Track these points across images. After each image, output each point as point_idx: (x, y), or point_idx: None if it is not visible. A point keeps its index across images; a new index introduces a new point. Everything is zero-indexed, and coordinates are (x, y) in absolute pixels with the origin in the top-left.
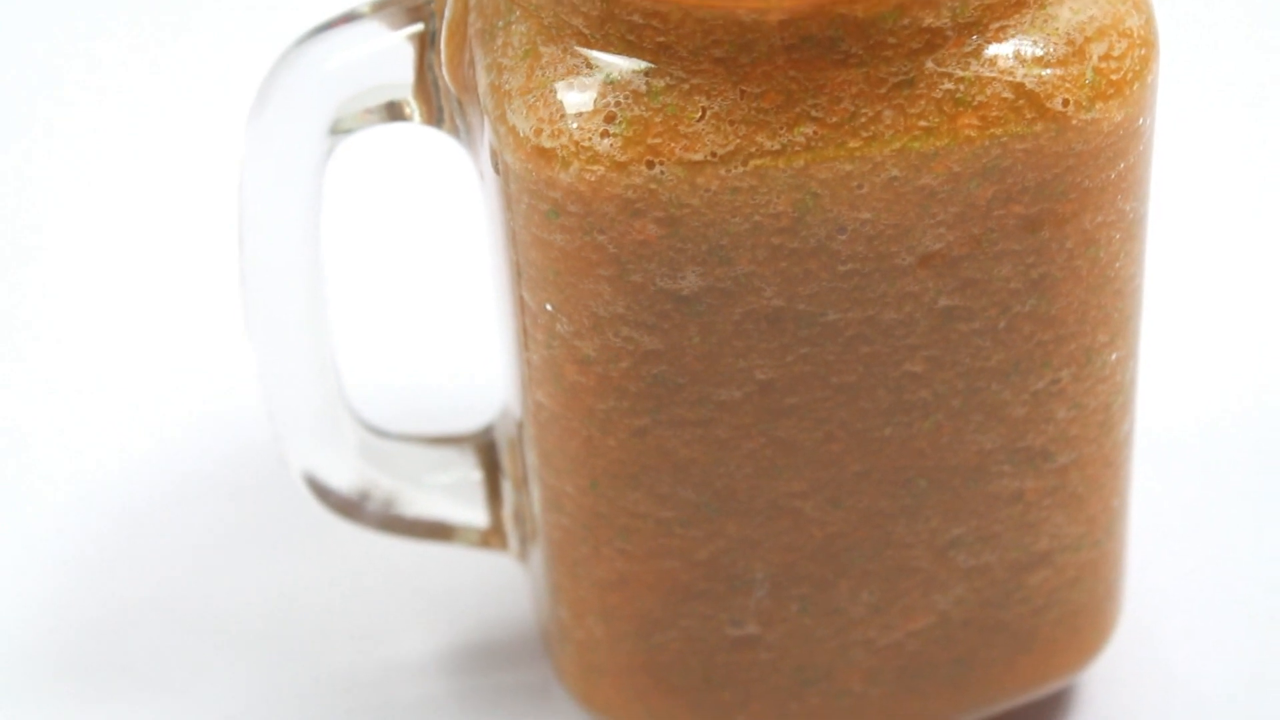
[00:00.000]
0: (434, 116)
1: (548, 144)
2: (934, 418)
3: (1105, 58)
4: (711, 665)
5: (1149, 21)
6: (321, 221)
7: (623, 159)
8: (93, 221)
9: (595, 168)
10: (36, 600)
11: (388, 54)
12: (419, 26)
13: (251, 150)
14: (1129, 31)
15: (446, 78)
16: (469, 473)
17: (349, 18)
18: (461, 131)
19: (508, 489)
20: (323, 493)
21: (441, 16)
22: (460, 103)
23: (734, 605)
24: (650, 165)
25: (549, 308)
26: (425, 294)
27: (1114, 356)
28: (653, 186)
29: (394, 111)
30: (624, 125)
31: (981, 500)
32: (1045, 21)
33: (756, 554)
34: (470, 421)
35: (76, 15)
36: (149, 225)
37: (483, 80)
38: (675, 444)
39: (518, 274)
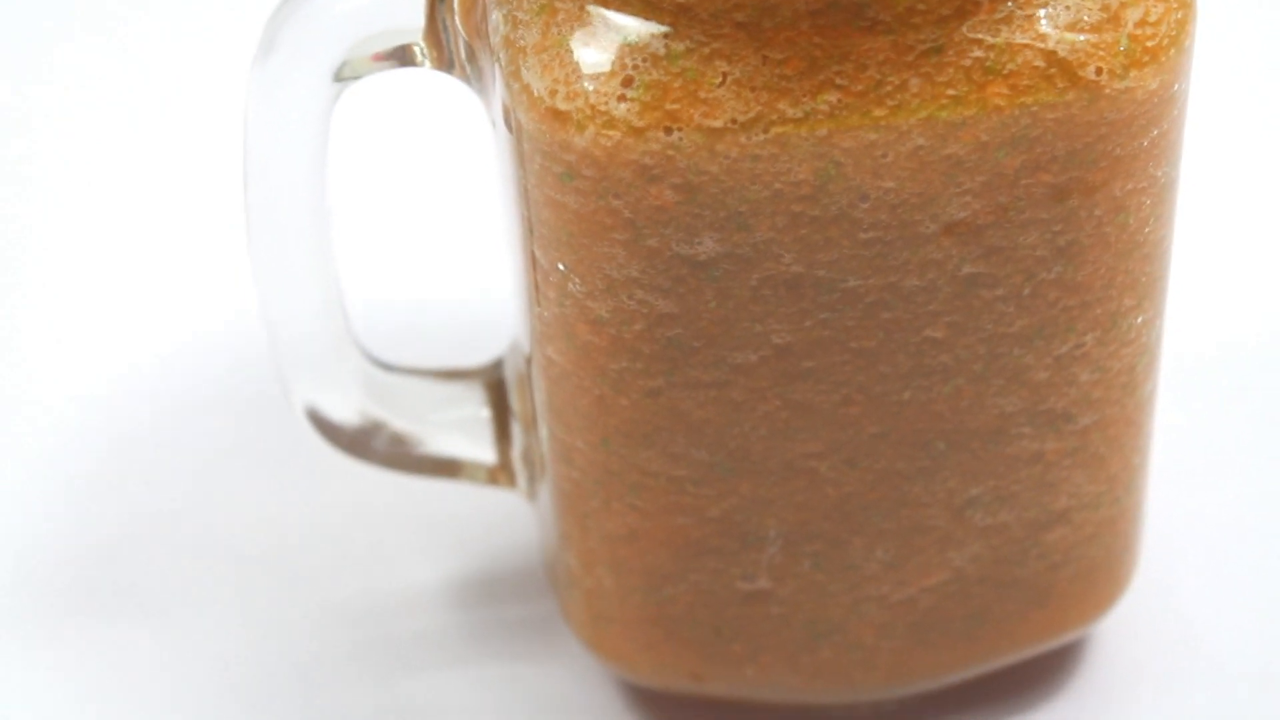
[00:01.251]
0: (445, 62)
1: (563, 106)
2: (954, 382)
3: (1141, 24)
4: (722, 618)
5: None
6: (328, 164)
7: (640, 124)
8: (91, 141)
9: (611, 132)
10: (37, 522)
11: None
12: None
13: (256, 94)
14: None
15: (459, 23)
16: (477, 410)
17: None
18: (473, 78)
19: (516, 428)
20: (326, 428)
21: None
22: (472, 49)
23: (746, 561)
24: (668, 131)
25: (561, 267)
26: (435, 227)
27: (1140, 319)
28: (670, 153)
29: (404, 56)
30: (642, 89)
31: (1000, 461)
32: None
33: (770, 512)
34: (480, 353)
35: None
36: (149, 146)
37: (496, 31)
38: (689, 405)
39: (530, 230)
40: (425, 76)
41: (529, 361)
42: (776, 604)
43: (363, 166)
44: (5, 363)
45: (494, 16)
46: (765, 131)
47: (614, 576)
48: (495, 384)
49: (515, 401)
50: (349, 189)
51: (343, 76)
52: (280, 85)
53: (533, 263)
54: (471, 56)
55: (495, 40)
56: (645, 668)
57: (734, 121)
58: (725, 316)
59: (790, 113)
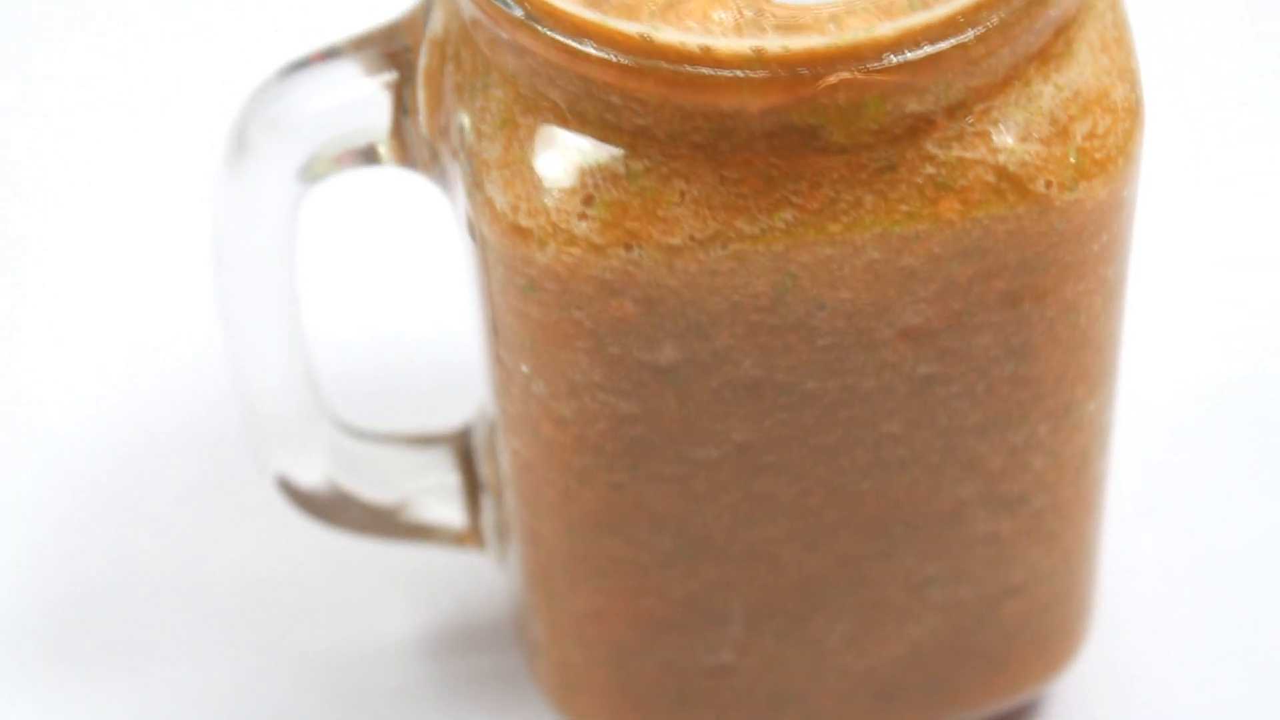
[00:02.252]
0: (409, 161)
1: (525, 222)
2: (911, 472)
3: (1089, 136)
4: (687, 690)
5: (1134, 87)
6: (296, 252)
7: (600, 241)
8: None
9: (573, 250)
10: (10, 572)
11: (364, 102)
12: (395, 74)
13: (223, 191)
14: (1113, 106)
15: (423, 125)
16: (446, 476)
17: (328, 54)
18: (437, 176)
19: (485, 494)
20: (296, 496)
21: (417, 63)
22: (436, 149)
23: (710, 637)
24: (628, 248)
25: (525, 369)
26: (402, 290)
27: (1092, 406)
28: (630, 269)
29: (370, 156)
30: (602, 208)
31: (956, 542)
32: (1029, 100)
33: (732, 592)
34: (450, 412)
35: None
36: (121, 201)
37: (459, 138)
38: (652, 497)
39: (493, 332)
40: (390, 174)
41: (494, 430)
42: (740, 676)
43: (328, 241)
44: None
45: (459, 120)
46: (723, 248)
47: (581, 649)
48: (464, 451)
49: (483, 468)
50: (316, 260)
51: (310, 176)
52: (248, 184)
53: (497, 360)
54: (435, 156)
55: (459, 145)
56: None
57: (692, 239)
58: (687, 417)
59: (747, 230)
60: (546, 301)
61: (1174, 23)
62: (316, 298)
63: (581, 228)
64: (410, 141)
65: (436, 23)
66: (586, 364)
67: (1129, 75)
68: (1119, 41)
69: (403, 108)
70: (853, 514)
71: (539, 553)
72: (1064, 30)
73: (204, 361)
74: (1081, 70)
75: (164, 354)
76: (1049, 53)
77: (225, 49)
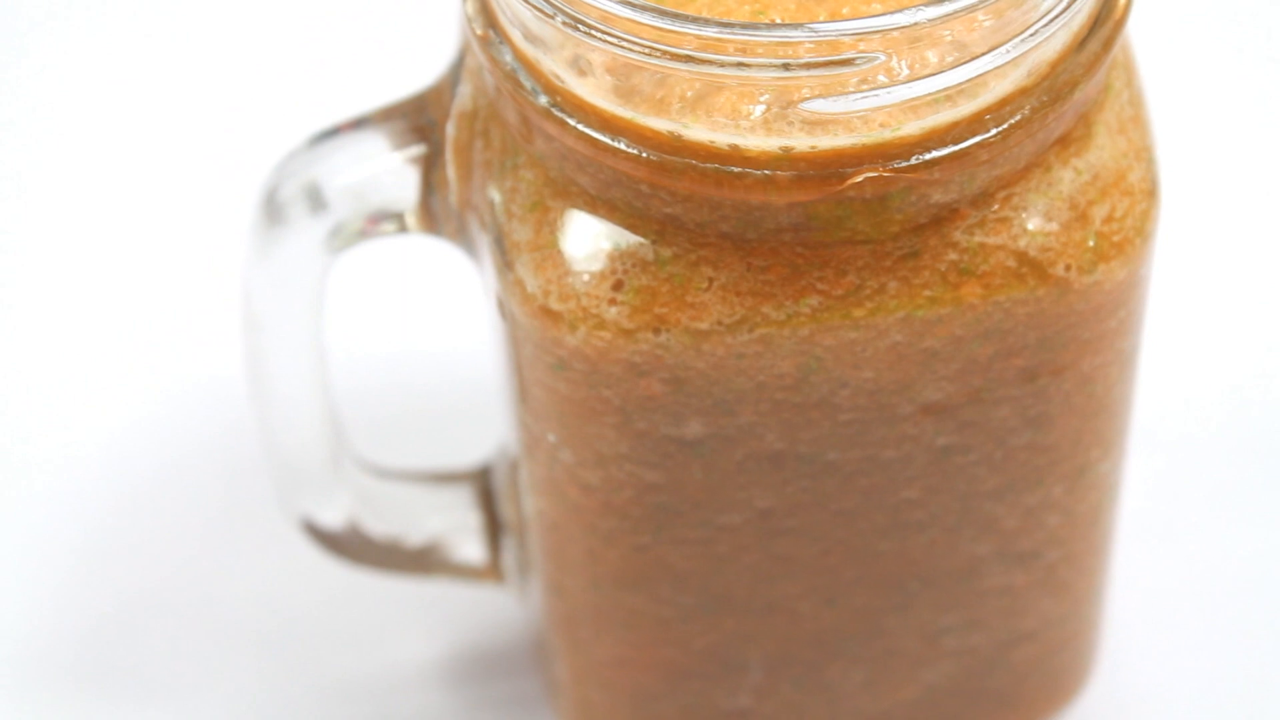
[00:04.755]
0: (436, 230)
1: (555, 306)
2: (929, 533)
3: (1107, 220)
4: None
5: (1150, 166)
6: (323, 313)
7: (630, 326)
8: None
9: (602, 334)
10: (33, 602)
11: (392, 174)
12: (423, 148)
13: (254, 259)
14: (1131, 188)
15: (452, 198)
16: (467, 515)
17: (356, 125)
18: (464, 244)
19: (506, 532)
20: (319, 537)
21: (445, 136)
22: (464, 220)
23: (729, 684)
24: (656, 332)
25: (552, 438)
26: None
27: (1105, 466)
28: (659, 352)
29: (396, 225)
30: (631, 293)
31: (971, 595)
32: (1049, 185)
33: (752, 644)
34: (468, 443)
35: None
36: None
37: (489, 215)
38: (675, 558)
39: (521, 399)
40: (418, 240)
41: (515, 468)
42: (758, 719)
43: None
44: None
45: (489, 195)
46: (750, 332)
47: (602, 692)
48: (485, 490)
49: (504, 508)
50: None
51: (339, 245)
52: (278, 253)
53: (523, 425)
54: (463, 227)
55: (488, 221)
56: None
57: (720, 323)
58: (711, 485)
59: (774, 315)
60: (575, 379)
61: (1188, 85)
62: (335, 337)
63: (611, 313)
64: (437, 212)
65: (464, 95)
66: (614, 437)
67: (1145, 155)
68: (1135, 120)
69: (430, 180)
70: (870, 571)
71: (562, 603)
72: (1084, 115)
73: (227, 389)
74: (1100, 153)
75: (187, 381)
76: (1069, 137)
77: (253, 107)
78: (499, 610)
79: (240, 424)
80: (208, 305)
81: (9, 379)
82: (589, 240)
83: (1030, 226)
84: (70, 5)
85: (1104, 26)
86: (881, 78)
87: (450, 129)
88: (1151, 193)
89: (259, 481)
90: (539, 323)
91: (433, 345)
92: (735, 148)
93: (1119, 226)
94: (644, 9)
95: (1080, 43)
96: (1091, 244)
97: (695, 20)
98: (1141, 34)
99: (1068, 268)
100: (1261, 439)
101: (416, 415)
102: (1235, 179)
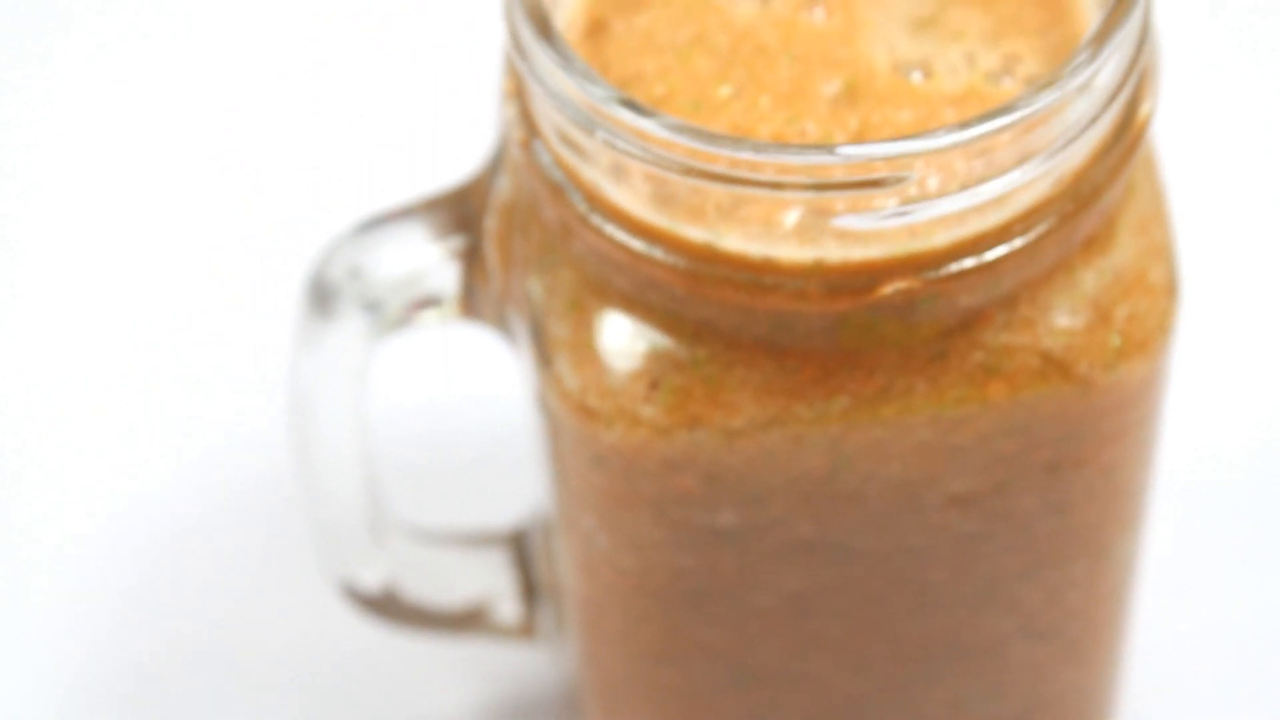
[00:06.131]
0: (476, 317)
1: (593, 403)
2: (954, 613)
3: (1129, 319)
4: None
5: (1171, 264)
6: (367, 396)
7: (665, 424)
8: (138, 279)
9: (639, 431)
10: (72, 655)
11: (435, 266)
12: (464, 240)
13: (300, 346)
14: (1152, 287)
15: (493, 288)
16: (503, 577)
17: (400, 215)
18: (504, 332)
19: (541, 593)
20: (359, 601)
21: (485, 227)
22: (503, 310)
23: None
24: (691, 430)
25: (588, 523)
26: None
27: (1127, 545)
28: (693, 449)
29: (439, 313)
30: (667, 393)
31: (995, 667)
32: (1073, 286)
33: (782, 711)
34: (507, 501)
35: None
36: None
37: (528, 309)
38: (708, 636)
39: (558, 485)
40: (456, 328)
41: (549, 533)
42: None
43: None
44: (32, 481)
45: (529, 289)
46: (781, 430)
47: None
48: (520, 552)
49: (539, 570)
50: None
51: (383, 332)
52: (324, 341)
53: (560, 508)
54: (503, 316)
55: (528, 315)
56: None
57: (752, 422)
58: (743, 570)
59: (805, 414)
60: (612, 473)
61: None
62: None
63: (647, 411)
64: (479, 302)
65: (504, 189)
66: (649, 526)
67: (1166, 252)
68: (1157, 218)
69: (472, 271)
70: (898, 647)
71: (597, 672)
72: (1107, 215)
73: (269, 440)
74: (1122, 253)
75: (230, 433)
76: (1092, 238)
77: (298, 189)
78: (534, 666)
79: (281, 476)
80: (251, 358)
81: (54, 430)
82: (626, 340)
83: (1054, 327)
84: (104, 97)
85: (1127, 133)
86: (912, 191)
87: (490, 222)
88: (1172, 290)
89: (299, 533)
90: (577, 418)
91: (469, 400)
92: (769, 259)
93: (1140, 325)
94: (679, 129)
95: (1105, 150)
96: (1114, 343)
97: (729, 142)
98: (1161, 126)
99: (1091, 367)
100: None
101: (452, 468)
102: (1255, 247)
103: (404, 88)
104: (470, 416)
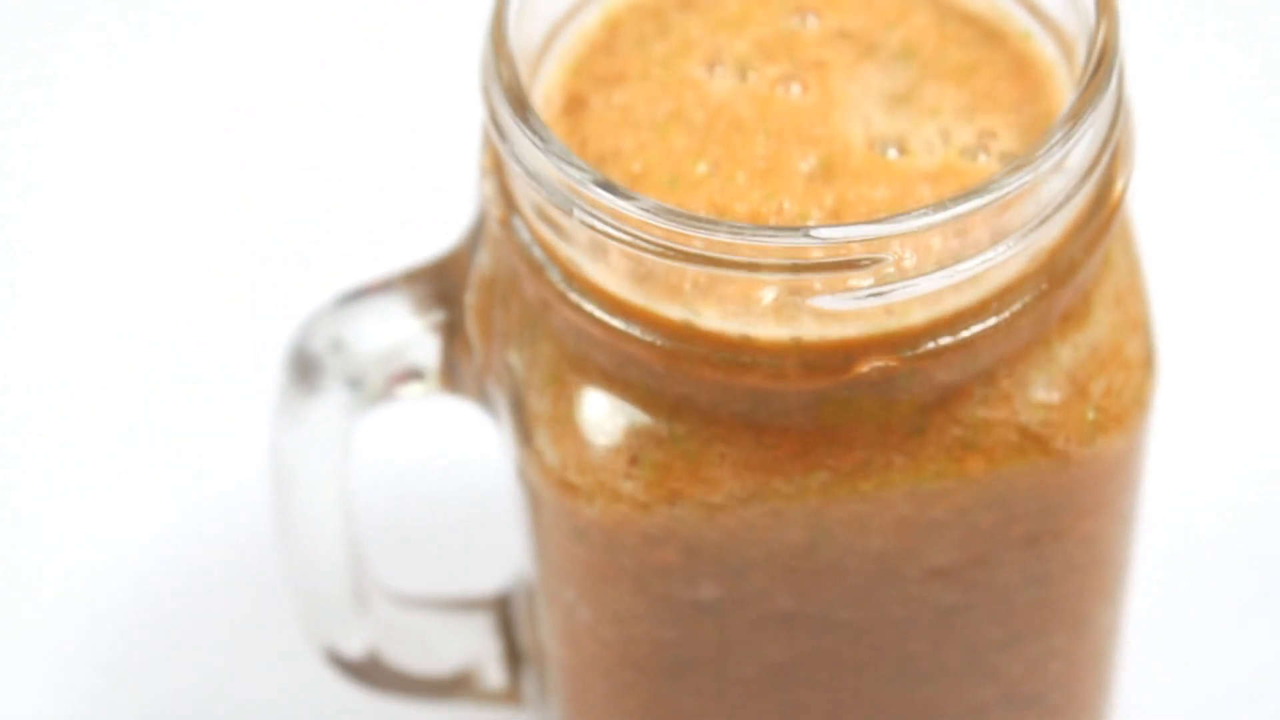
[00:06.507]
0: (457, 390)
1: (573, 479)
2: (935, 682)
3: (1106, 393)
4: None
5: (1147, 337)
6: (349, 467)
7: (645, 499)
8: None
9: (619, 507)
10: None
11: (416, 339)
12: (444, 314)
13: (280, 418)
14: (1128, 361)
15: (474, 361)
16: (487, 643)
17: (383, 287)
18: (484, 405)
19: (525, 659)
20: (343, 668)
21: (465, 300)
22: (484, 383)
23: None
24: (671, 505)
25: (570, 596)
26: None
27: (1107, 615)
28: (673, 523)
29: (421, 386)
30: (646, 468)
31: None
32: (1049, 361)
33: None
34: (492, 563)
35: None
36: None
37: (508, 382)
38: (691, 705)
39: (539, 557)
40: (437, 401)
41: (532, 599)
42: None
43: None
44: (13, 548)
45: (509, 362)
46: (761, 504)
47: None
48: (504, 618)
49: (523, 636)
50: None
51: (364, 405)
52: (305, 416)
53: (542, 581)
54: (484, 389)
55: (508, 389)
56: None
57: (732, 497)
58: (724, 642)
59: (784, 489)
60: (593, 547)
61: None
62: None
63: (627, 486)
64: (459, 375)
65: (484, 262)
66: (630, 599)
67: (1142, 326)
68: (1133, 291)
69: (452, 345)
70: (879, 716)
71: None
72: (1084, 290)
73: (251, 500)
74: (1098, 327)
75: (212, 492)
76: (1068, 313)
77: (279, 256)
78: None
79: (263, 538)
80: (232, 422)
81: (35, 489)
82: (605, 416)
83: (1031, 401)
84: (81, 183)
85: (1103, 208)
86: (889, 270)
87: (470, 296)
88: (1148, 364)
89: (282, 596)
90: (557, 493)
91: (451, 463)
92: (746, 337)
93: (1117, 400)
94: (656, 211)
95: (1080, 226)
96: (1091, 417)
97: (706, 223)
98: (1136, 195)
99: (1068, 440)
100: (1266, 550)
101: (435, 532)
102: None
103: (383, 155)
104: (452, 480)
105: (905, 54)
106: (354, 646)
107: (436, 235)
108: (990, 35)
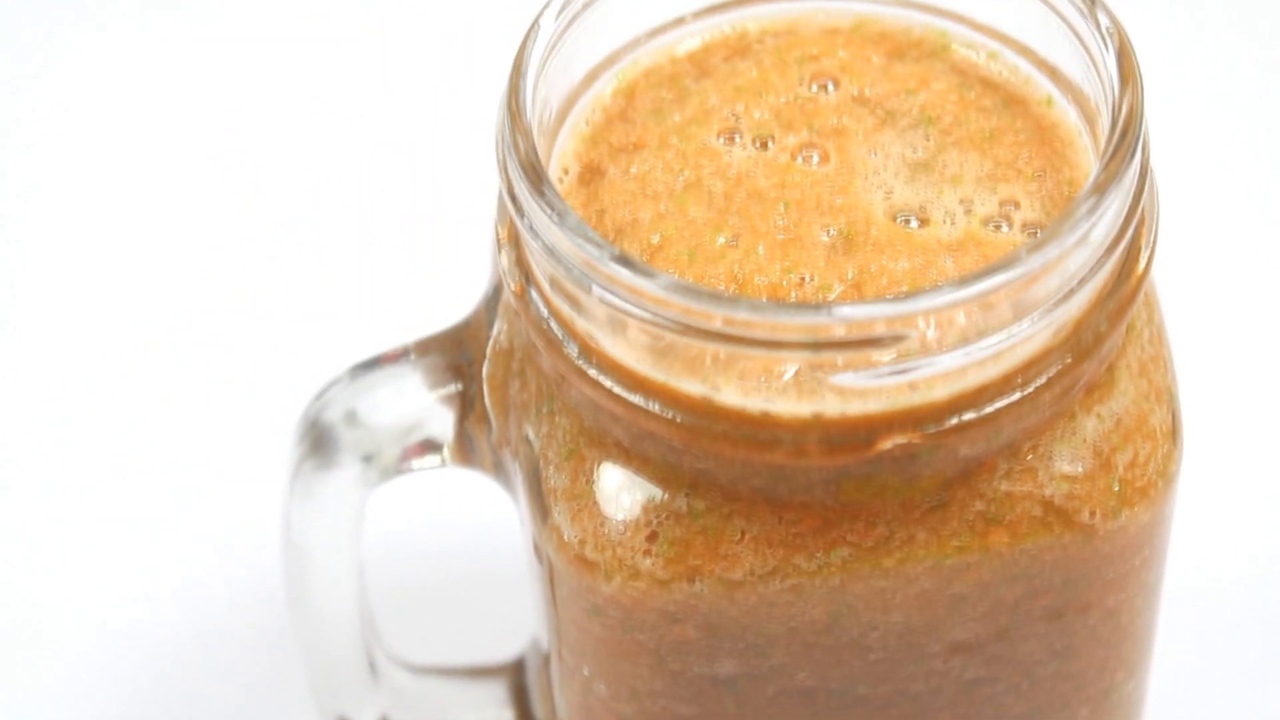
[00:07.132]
0: (472, 463)
1: (591, 555)
2: None
3: (1130, 466)
4: None
5: (1172, 406)
6: (361, 538)
7: (664, 576)
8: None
9: (637, 583)
10: None
11: (430, 411)
12: (459, 387)
13: (293, 489)
14: (1153, 432)
15: (491, 434)
16: (501, 712)
17: (395, 358)
18: (500, 478)
19: None
20: None
21: (481, 372)
22: (499, 455)
23: None
24: (690, 581)
25: (586, 672)
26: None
27: (1130, 686)
28: (692, 600)
29: (435, 459)
30: (665, 545)
31: None
32: (1073, 433)
33: None
34: (507, 630)
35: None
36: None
37: (525, 456)
38: None
39: (556, 632)
40: (452, 472)
41: (547, 665)
42: None
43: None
44: (22, 615)
45: (526, 435)
46: (781, 581)
47: None
48: (518, 685)
49: (537, 705)
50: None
51: (377, 478)
52: (318, 488)
53: (558, 656)
54: (500, 462)
55: (525, 462)
56: None
57: (752, 574)
58: (743, 717)
59: (805, 565)
60: (610, 623)
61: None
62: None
63: (646, 563)
64: (474, 447)
65: (500, 333)
66: (648, 675)
67: (1166, 396)
68: (1156, 361)
69: (467, 417)
70: None
71: None
72: (1108, 361)
73: (260, 571)
74: (1122, 398)
75: (219, 562)
76: (1092, 384)
77: (291, 318)
78: None
79: (276, 603)
80: (244, 489)
81: (50, 553)
82: (624, 492)
83: (1055, 474)
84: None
85: (1127, 281)
86: (913, 347)
87: (486, 368)
88: (1173, 434)
89: (294, 664)
90: (575, 569)
91: (465, 530)
92: (766, 414)
93: (1142, 472)
94: (675, 288)
95: (1104, 298)
96: (1116, 489)
97: (725, 301)
98: (1160, 265)
99: (1092, 514)
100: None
101: (449, 602)
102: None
103: (399, 216)
104: (465, 548)
105: (925, 121)
106: (366, 717)
107: (451, 299)
108: (1011, 101)
